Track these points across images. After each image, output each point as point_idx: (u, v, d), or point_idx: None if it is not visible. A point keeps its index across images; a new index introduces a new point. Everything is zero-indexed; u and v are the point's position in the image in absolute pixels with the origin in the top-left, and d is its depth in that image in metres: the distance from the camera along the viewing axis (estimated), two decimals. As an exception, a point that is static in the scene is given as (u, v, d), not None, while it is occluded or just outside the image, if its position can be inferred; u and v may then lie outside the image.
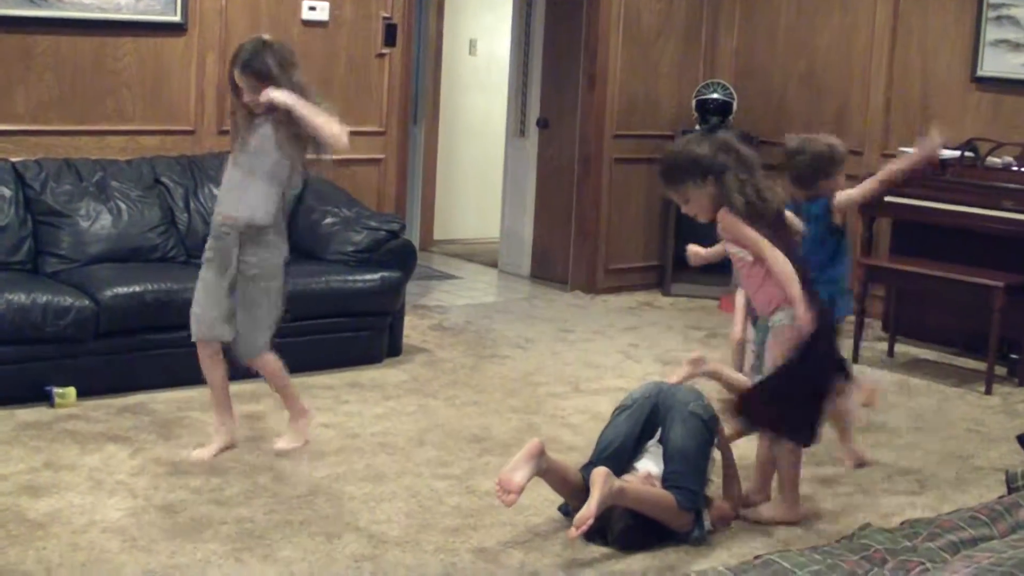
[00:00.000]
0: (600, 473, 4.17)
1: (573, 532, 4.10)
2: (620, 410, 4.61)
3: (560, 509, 4.53)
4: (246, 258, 4.95)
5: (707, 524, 4.43)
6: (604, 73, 8.44)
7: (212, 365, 5.05)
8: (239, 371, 5.17)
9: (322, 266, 6.37)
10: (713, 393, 4.84)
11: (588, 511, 4.08)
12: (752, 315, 4.89)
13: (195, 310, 5.04)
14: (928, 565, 3.32)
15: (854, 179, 7.80)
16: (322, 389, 5.98)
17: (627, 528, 4.29)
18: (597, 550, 4.30)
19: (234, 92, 4.93)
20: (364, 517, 4.49)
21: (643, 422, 4.53)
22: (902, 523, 4.22)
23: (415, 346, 6.88)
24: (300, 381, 5.79)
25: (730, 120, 8.57)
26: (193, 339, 5.04)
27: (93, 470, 4.80)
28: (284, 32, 7.05)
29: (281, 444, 5.15)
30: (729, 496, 4.64)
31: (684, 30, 8.77)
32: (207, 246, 5.07)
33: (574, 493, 4.35)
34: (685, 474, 4.37)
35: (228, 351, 5.07)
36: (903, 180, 5.68)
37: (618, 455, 4.44)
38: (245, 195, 4.92)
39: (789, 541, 4.42)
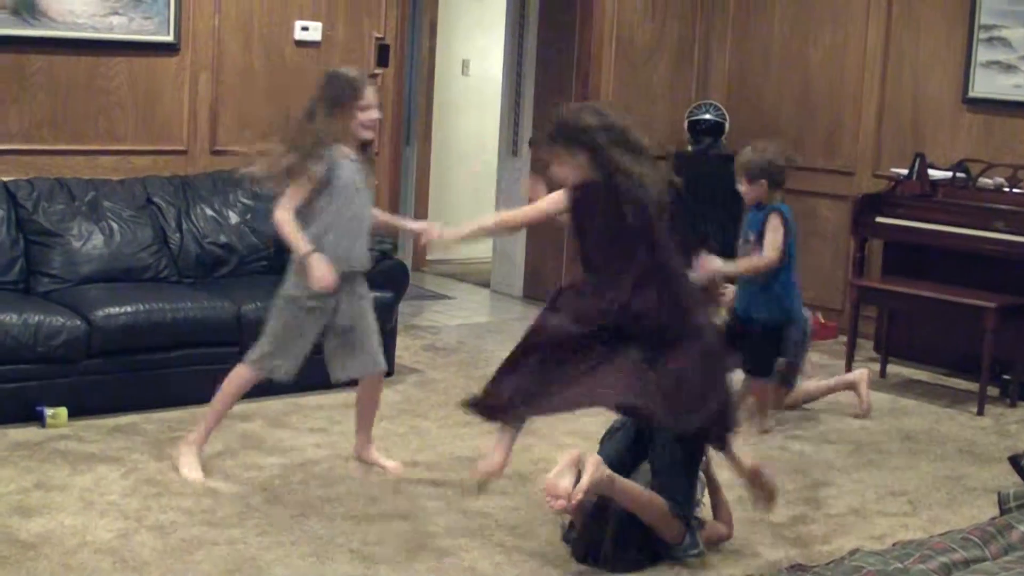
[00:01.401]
0: (593, 459, 4.18)
1: (556, 504, 4.11)
2: (609, 432, 4.61)
3: (563, 538, 4.50)
4: (362, 290, 5.17)
5: (700, 543, 4.41)
6: (596, 93, 8.44)
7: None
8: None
9: (314, 286, 6.34)
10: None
11: (577, 489, 4.07)
12: None
13: (297, 352, 5.00)
14: (920, 587, 3.32)
15: (845, 199, 7.90)
16: (314, 409, 5.96)
17: (619, 547, 4.28)
18: (590, 571, 4.29)
19: (331, 114, 4.93)
20: (356, 538, 4.48)
21: (631, 444, 4.52)
22: (894, 544, 4.22)
23: (407, 366, 6.87)
24: (292, 401, 5.82)
25: (723, 140, 8.59)
26: (286, 376, 5.02)
27: (84, 490, 4.79)
28: (277, 53, 7.08)
29: (390, 463, 5.25)
30: (720, 517, 4.64)
31: (676, 50, 8.78)
32: (317, 299, 4.97)
33: (583, 508, 4.33)
34: (674, 485, 4.34)
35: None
36: None
37: None
38: (365, 240, 5.14)
39: (780, 563, 4.42)
